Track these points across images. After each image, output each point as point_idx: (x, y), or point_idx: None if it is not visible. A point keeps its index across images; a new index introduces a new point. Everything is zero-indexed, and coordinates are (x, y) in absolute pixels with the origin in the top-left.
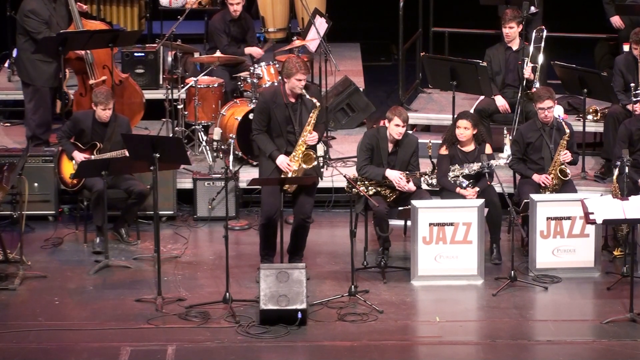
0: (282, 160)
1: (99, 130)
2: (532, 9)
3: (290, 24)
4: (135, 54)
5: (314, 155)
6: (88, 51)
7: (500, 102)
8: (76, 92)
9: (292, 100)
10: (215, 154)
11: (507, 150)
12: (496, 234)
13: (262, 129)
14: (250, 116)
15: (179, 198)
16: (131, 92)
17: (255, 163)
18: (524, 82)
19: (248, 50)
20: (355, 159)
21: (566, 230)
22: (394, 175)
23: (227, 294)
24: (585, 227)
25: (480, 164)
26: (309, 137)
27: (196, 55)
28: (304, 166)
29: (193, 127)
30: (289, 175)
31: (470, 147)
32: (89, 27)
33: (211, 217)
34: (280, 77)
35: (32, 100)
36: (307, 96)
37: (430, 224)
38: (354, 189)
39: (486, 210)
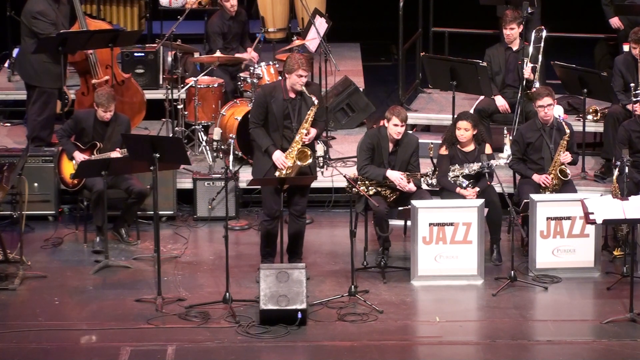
0: (278, 157)
1: (100, 130)
2: (529, 9)
3: (290, 24)
4: (135, 54)
5: (309, 153)
6: (93, 51)
7: (500, 102)
8: (78, 91)
9: (292, 96)
10: (215, 154)
11: (507, 150)
12: (496, 234)
13: (259, 122)
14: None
15: (179, 198)
16: (133, 91)
17: None
18: (524, 82)
19: (243, 57)
20: (355, 159)
21: (566, 230)
22: (395, 176)
23: (227, 294)
24: (585, 227)
25: (480, 164)
26: (305, 135)
27: (196, 55)
28: (299, 163)
29: (193, 127)
30: (284, 172)
31: (470, 147)
32: (93, 27)
33: (211, 217)
34: (280, 76)
35: (38, 102)
36: (307, 94)
37: (430, 224)
38: (354, 189)
39: (486, 210)
